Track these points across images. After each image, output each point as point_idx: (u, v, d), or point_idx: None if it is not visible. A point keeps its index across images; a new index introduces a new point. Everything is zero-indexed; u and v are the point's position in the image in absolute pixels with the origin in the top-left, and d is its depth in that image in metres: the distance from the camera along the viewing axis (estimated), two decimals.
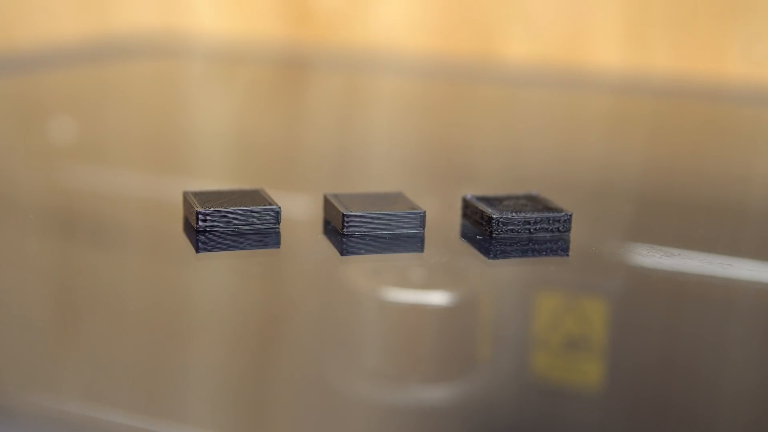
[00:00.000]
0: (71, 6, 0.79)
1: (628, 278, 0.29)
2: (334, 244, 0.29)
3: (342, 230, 0.29)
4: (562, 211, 0.29)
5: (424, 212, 0.29)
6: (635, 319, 0.26)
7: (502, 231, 0.29)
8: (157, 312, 0.25)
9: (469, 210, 0.30)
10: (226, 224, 0.28)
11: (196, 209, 0.28)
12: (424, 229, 0.29)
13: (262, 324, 0.25)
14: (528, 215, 0.29)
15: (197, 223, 0.28)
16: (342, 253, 0.28)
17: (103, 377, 0.21)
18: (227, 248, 0.28)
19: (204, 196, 0.29)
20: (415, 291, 0.27)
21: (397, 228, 0.29)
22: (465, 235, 0.30)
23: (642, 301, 0.27)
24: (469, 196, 0.30)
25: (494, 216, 0.29)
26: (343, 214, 0.29)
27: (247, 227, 0.29)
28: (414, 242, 0.29)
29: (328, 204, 0.30)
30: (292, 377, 0.22)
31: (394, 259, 0.28)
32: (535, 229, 0.29)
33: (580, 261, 0.29)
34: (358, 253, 0.28)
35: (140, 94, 0.60)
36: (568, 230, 0.29)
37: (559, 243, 0.29)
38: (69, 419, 0.20)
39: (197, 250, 0.28)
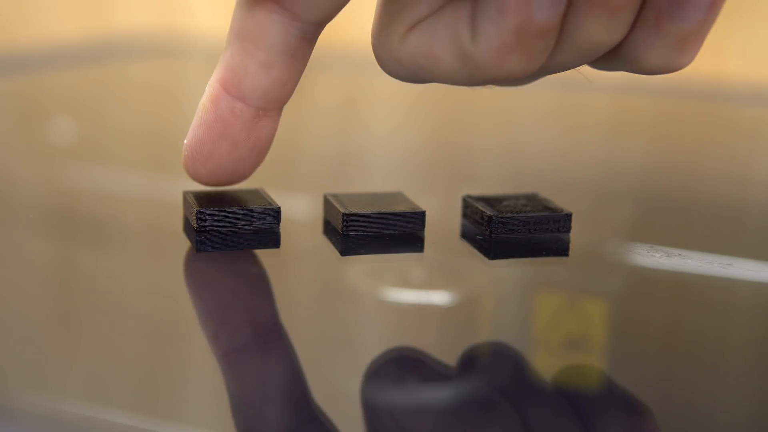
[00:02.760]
0: (71, 6, 0.79)
1: (628, 278, 0.29)
2: (334, 244, 0.29)
3: (342, 230, 0.29)
4: (561, 211, 0.29)
5: (424, 212, 0.29)
6: (635, 319, 0.26)
7: (501, 231, 0.29)
8: (157, 312, 0.25)
9: (468, 210, 0.30)
10: (226, 224, 0.28)
11: (196, 209, 0.28)
12: (424, 229, 0.29)
13: (263, 324, 0.25)
14: (527, 215, 0.29)
15: (197, 223, 0.28)
16: (342, 253, 0.28)
17: (104, 377, 0.21)
18: (227, 248, 0.28)
19: (204, 196, 0.29)
20: (414, 291, 0.27)
21: (397, 228, 0.29)
22: (465, 235, 0.30)
23: (642, 301, 0.27)
24: (468, 197, 0.30)
25: (494, 216, 0.29)
26: (343, 214, 0.29)
27: (247, 227, 0.29)
28: (414, 242, 0.29)
29: (327, 204, 0.30)
30: (293, 377, 0.22)
31: (394, 259, 0.28)
32: (534, 229, 0.29)
33: (580, 261, 0.29)
34: (358, 253, 0.28)
35: (140, 94, 0.60)
36: (568, 230, 0.29)
37: (559, 243, 0.29)
38: (69, 419, 0.20)
39: (197, 250, 0.28)
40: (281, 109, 0.27)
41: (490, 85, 0.25)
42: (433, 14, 0.24)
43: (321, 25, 0.26)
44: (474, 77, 0.24)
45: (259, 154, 0.28)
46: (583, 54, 0.24)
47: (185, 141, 0.28)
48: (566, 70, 0.25)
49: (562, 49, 0.24)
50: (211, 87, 0.27)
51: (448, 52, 0.24)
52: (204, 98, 0.27)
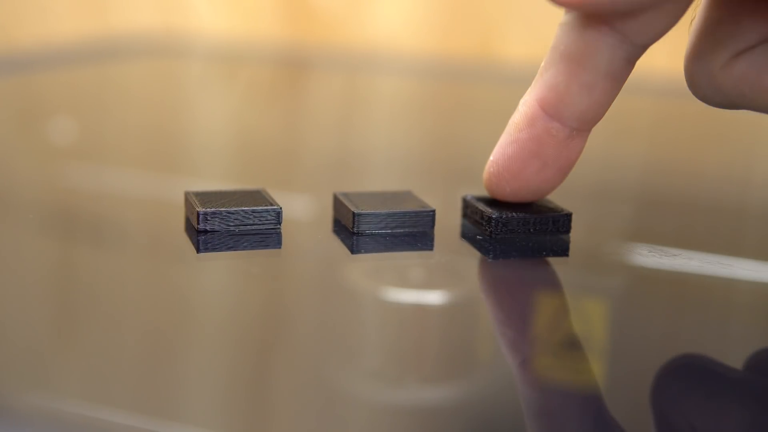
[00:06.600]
0: (71, 6, 0.79)
1: (628, 278, 0.29)
2: (343, 242, 0.29)
3: (353, 228, 0.29)
4: (561, 211, 0.29)
5: (434, 210, 0.29)
6: (635, 319, 0.26)
7: (501, 231, 0.29)
8: (157, 312, 0.25)
9: (468, 210, 0.30)
10: (227, 224, 0.28)
11: (197, 209, 0.28)
12: (434, 227, 0.29)
13: (264, 325, 0.25)
14: (528, 215, 0.29)
15: (198, 224, 0.28)
16: (351, 252, 0.28)
17: (104, 377, 0.22)
18: (228, 248, 0.28)
19: (205, 197, 0.29)
20: (413, 291, 0.27)
21: (407, 226, 0.29)
22: (465, 235, 0.30)
23: (642, 301, 0.27)
24: (468, 197, 0.30)
25: (494, 216, 0.29)
26: (353, 213, 0.29)
27: (249, 227, 0.29)
28: (421, 240, 0.29)
29: (337, 203, 0.30)
30: (293, 377, 0.22)
31: (394, 259, 0.28)
32: (534, 229, 0.29)
33: (580, 261, 0.29)
34: (365, 251, 0.28)
35: (140, 94, 0.60)
36: (568, 230, 0.29)
37: (559, 243, 0.29)
38: (69, 419, 0.20)
39: (198, 251, 0.28)
40: (591, 129, 0.27)
41: None
42: (762, 43, 0.24)
43: (646, 47, 0.26)
44: None
45: (564, 174, 0.28)
46: None
47: (491, 158, 0.28)
48: None
49: None
50: (526, 106, 0.27)
51: None
52: (517, 116, 0.27)
